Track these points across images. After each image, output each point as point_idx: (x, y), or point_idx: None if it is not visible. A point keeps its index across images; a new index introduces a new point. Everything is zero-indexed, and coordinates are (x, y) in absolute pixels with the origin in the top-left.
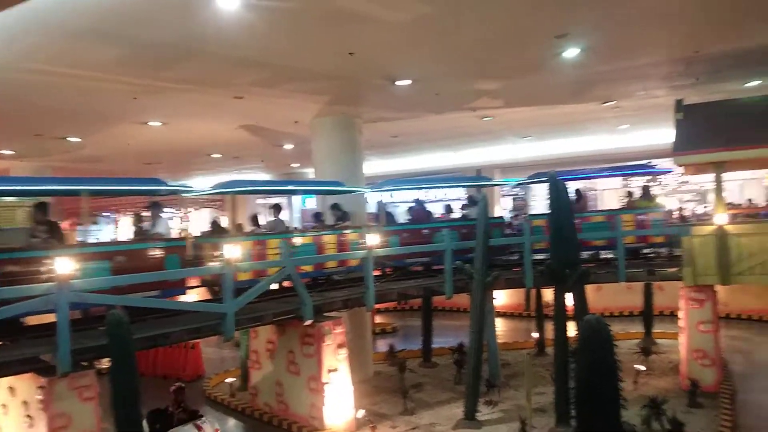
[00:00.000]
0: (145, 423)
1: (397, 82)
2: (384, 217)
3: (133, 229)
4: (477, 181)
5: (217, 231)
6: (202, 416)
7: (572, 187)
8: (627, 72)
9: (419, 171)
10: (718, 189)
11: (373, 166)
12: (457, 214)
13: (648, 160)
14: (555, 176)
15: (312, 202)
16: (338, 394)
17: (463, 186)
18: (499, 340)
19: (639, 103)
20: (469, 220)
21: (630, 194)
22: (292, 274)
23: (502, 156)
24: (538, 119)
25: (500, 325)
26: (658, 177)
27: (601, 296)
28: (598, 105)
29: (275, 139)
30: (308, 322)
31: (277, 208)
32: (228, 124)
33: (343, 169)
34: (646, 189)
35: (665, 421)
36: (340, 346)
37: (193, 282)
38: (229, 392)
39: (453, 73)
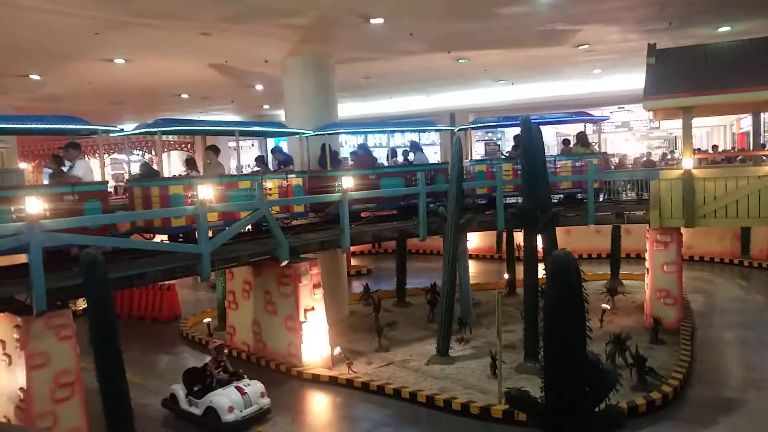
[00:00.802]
0: (181, 384)
1: (371, 20)
2: (330, 162)
3: (48, 171)
4: (421, 125)
5: (147, 175)
6: (244, 376)
7: (515, 133)
8: (601, 15)
9: (393, 114)
10: (686, 134)
11: (347, 108)
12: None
13: (613, 107)
14: (528, 120)
15: (285, 145)
16: (315, 332)
17: (408, 131)
18: (471, 281)
19: (613, 47)
20: (413, 166)
21: (567, 141)
22: (267, 215)
23: (476, 100)
24: (512, 62)
25: (473, 267)
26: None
27: (570, 239)
28: (572, 48)
29: (245, 79)
30: (284, 263)
31: (214, 149)
32: (196, 62)
33: (316, 111)
34: (581, 136)
35: (629, 356)
36: (316, 286)
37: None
38: (206, 332)
39: (426, 12)
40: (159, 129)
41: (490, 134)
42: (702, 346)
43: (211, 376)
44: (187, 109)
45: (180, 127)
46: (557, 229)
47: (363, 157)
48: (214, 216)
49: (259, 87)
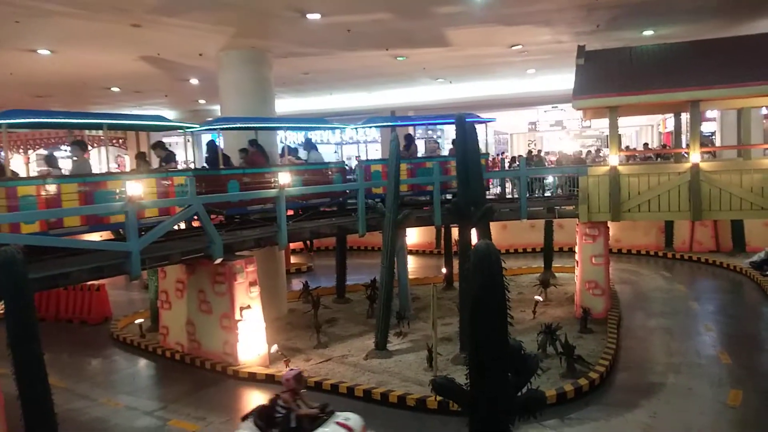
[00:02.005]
0: (252, 428)
1: (308, 16)
2: (220, 160)
3: None
4: (318, 123)
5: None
6: (333, 411)
7: (402, 133)
8: (533, 16)
9: (333, 111)
10: (613, 132)
11: (286, 104)
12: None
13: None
14: (463, 118)
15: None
16: (251, 330)
17: (305, 128)
18: (410, 276)
19: (545, 48)
20: (310, 164)
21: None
22: (200, 212)
23: (416, 98)
24: (449, 61)
25: (413, 262)
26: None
27: (506, 234)
28: (506, 48)
29: (179, 72)
30: (219, 261)
31: (81, 145)
32: (126, 54)
33: (252, 106)
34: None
35: (559, 345)
36: (252, 284)
37: None
38: (138, 333)
39: (363, 8)
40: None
41: (430, 131)
42: (627, 334)
43: (288, 411)
44: (118, 103)
45: (31, 120)
46: (494, 224)
47: (255, 155)
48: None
49: (194, 81)
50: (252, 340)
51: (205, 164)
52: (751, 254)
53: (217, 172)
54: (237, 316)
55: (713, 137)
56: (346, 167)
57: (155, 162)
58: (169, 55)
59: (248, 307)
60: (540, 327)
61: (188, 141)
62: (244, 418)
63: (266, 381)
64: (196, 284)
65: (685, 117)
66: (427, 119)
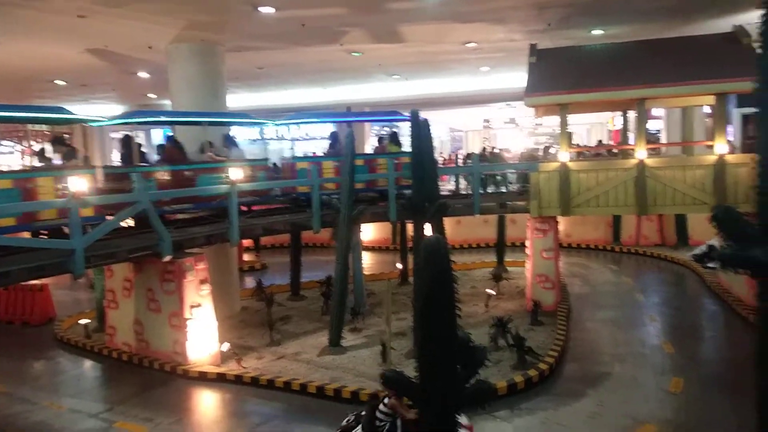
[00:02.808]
0: None
1: (261, 9)
2: (135, 156)
3: None
4: (239, 118)
5: None
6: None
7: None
8: (487, 14)
9: (288, 106)
10: (563, 129)
11: (240, 99)
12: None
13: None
14: (417, 114)
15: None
16: (202, 329)
17: (223, 124)
18: (365, 272)
19: (498, 46)
20: (231, 161)
21: (381, 140)
22: (148, 209)
23: (372, 94)
24: (405, 57)
25: (369, 258)
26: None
27: (461, 229)
28: (460, 46)
29: (127, 65)
30: (167, 259)
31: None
32: (71, 46)
33: (203, 100)
34: (394, 135)
35: (510, 337)
36: (202, 281)
37: None
38: (83, 334)
39: (317, 2)
40: None
41: (386, 128)
42: (576, 326)
43: (393, 418)
44: (64, 97)
45: None
46: (449, 219)
47: (172, 150)
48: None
49: (143, 75)
50: (202, 338)
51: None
52: (693, 248)
53: (128, 169)
54: (187, 315)
55: (659, 135)
56: (270, 165)
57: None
58: (116, 48)
59: (198, 305)
60: (492, 320)
61: (87, 135)
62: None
63: (217, 380)
64: (144, 283)
65: (632, 115)
66: (358, 116)
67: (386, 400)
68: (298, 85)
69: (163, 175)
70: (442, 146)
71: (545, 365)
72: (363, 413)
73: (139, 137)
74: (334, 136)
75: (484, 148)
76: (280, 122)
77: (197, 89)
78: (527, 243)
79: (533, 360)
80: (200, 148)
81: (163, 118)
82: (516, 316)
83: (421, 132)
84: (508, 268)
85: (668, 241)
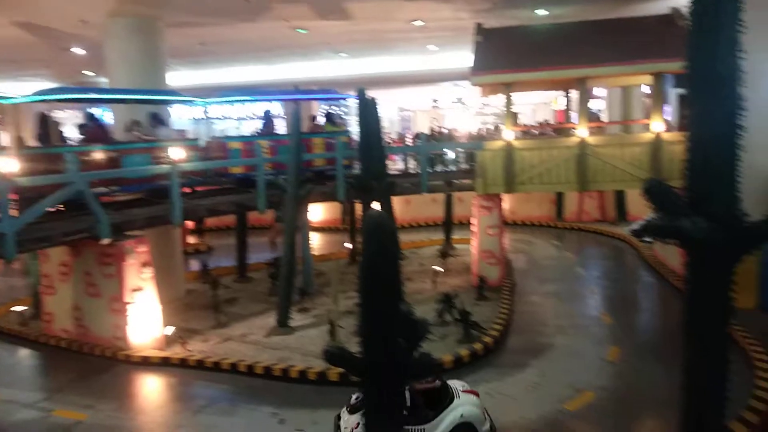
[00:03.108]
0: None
1: None
2: (54, 136)
3: None
4: (166, 96)
5: None
6: (443, 380)
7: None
8: None
9: (233, 84)
10: (508, 108)
11: (182, 77)
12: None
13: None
14: (364, 92)
15: (109, 116)
16: (144, 313)
17: (148, 102)
18: (315, 252)
19: (445, 24)
20: (155, 141)
21: (314, 118)
22: (84, 190)
23: (319, 72)
24: (352, 35)
25: (319, 238)
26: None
27: (410, 208)
28: (406, 24)
29: (60, 40)
30: (106, 242)
31: None
32: None
33: (143, 78)
34: (329, 115)
35: (456, 312)
36: (144, 264)
37: None
38: (18, 321)
39: None
40: None
41: (333, 107)
42: (520, 300)
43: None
44: None
45: None
46: (398, 199)
47: (94, 130)
48: None
49: (78, 50)
50: (145, 322)
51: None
52: (632, 223)
53: (48, 149)
54: (128, 299)
55: (601, 114)
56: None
57: None
58: (47, 21)
59: (140, 289)
60: (439, 296)
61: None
62: (352, 410)
63: (161, 364)
64: (83, 266)
65: (575, 95)
66: (292, 94)
67: None
68: (244, 63)
69: (85, 155)
70: (391, 126)
71: (490, 339)
72: None
73: (78, 117)
74: (267, 115)
75: (432, 128)
76: (210, 101)
77: (135, 66)
78: (473, 220)
79: (478, 334)
80: (126, 128)
81: (81, 96)
82: (462, 291)
83: (369, 111)
84: (456, 246)
85: (608, 217)
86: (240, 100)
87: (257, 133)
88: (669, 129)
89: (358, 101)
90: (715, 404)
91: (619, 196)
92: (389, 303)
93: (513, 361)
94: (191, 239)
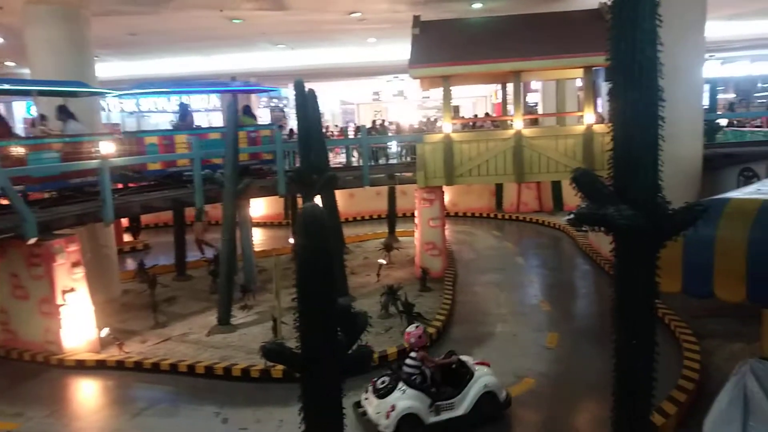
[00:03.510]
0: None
1: None
2: None
3: None
4: (69, 86)
5: None
6: (456, 355)
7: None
8: None
9: (168, 76)
10: (446, 101)
11: (112, 68)
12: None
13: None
14: (301, 83)
15: (35, 109)
16: (77, 315)
17: (52, 94)
18: (258, 248)
19: (384, 17)
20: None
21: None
22: (5, 186)
23: (257, 64)
24: (289, 26)
25: (262, 234)
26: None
27: (353, 202)
28: (344, 15)
29: None
30: (32, 241)
31: None
32: None
33: (67, 68)
34: (246, 108)
35: (400, 304)
36: (75, 264)
37: None
38: None
39: None
40: None
41: (275, 101)
42: (462, 290)
43: (422, 370)
44: None
45: None
46: (342, 192)
47: None
48: None
49: None
50: (78, 325)
51: None
52: (568, 213)
53: None
54: (59, 301)
55: (536, 107)
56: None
57: None
58: None
59: (72, 290)
60: (383, 289)
61: None
62: (382, 394)
63: (96, 368)
64: (8, 268)
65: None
66: (211, 86)
67: (413, 354)
68: (178, 54)
69: None
70: (333, 119)
71: (433, 329)
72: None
73: None
74: (184, 108)
75: (374, 121)
76: (122, 93)
77: (59, 56)
78: (416, 213)
79: (422, 325)
80: (31, 122)
81: None
82: (406, 283)
83: (308, 103)
84: (400, 238)
85: (546, 208)
86: (154, 93)
87: (174, 127)
88: (601, 121)
89: (295, 93)
90: (644, 383)
91: (556, 187)
92: (325, 296)
93: (456, 350)
94: (127, 237)
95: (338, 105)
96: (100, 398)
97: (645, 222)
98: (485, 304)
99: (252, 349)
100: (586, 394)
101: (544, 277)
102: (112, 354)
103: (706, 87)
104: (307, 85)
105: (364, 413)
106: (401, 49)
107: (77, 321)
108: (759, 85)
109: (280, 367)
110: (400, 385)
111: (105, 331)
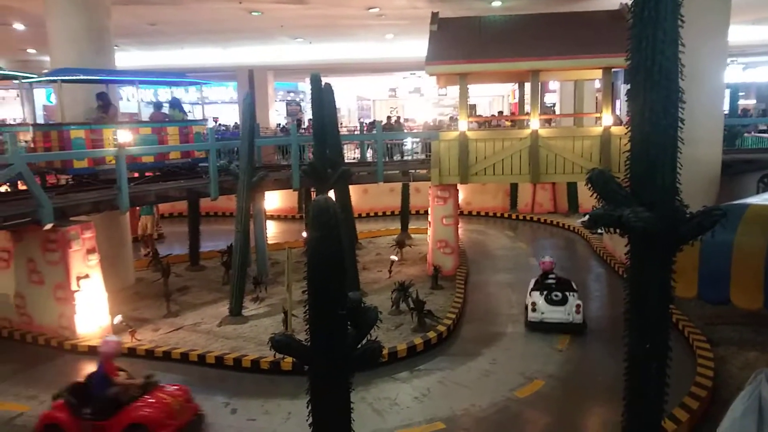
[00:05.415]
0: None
1: None
2: None
3: None
4: None
5: None
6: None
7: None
8: None
9: (185, 67)
10: (462, 99)
11: (132, 57)
12: None
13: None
14: (318, 77)
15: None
16: (91, 301)
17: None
18: (271, 241)
19: (402, 13)
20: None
21: (159, 106)
22: (24, 172)
23: (275, 58)
24: (307, 19)
25: (275, 227)
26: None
27: (367, 198)
28: (363, 11)
29: None
30: (49, 227)
31: None
32: None
33: (87, 57)
34: (175, 100)
35: (411, 301)
36: (90, 251)
37: None
38: None
39: None
40: None
41: (292, 94)
42: (474, 289)
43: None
44: None
45: None
46: (355, 188)
47: None
48: None
49: (18, 26)
50: (92, 311)
51: None
52: (583, 215)
53: None
54: (74, 287)
55: (554, 107)
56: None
57: None
58: None
59: (86, 276)
60: (395, 285)
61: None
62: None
63: None
64: (25, 253)
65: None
66: (140, 77)
67: (551, 275)
68: (196, 45)
69: None
70: (350, 114)
71: (443, 327)
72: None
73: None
74: (104, 98)
75: (389, 117)
76: (35, 79)
77: (79, 45)
78: (429, 210)
79: (432, 323)
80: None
81: None
82: (417, 280)
83: (324, 98)
84: (412, 235)
85: (561, 209)
86: (78, 80)
87: (93, 120)
88: (619, 123)
89: (312, 87)
90: (656, 389)
91: (572, 188)
92: (336, 288)
93: (466, 349)
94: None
95: (355, 101)
96: None
97: (661, 225)
98: (496, 303)
99: (262, 341)
100: (596, 397)
101: None
102: (125, 341)
103: (727, 92)
104: (324, 80)
105: (541, 321)
106: (418, 46)
107: (91, 307)
108: None
109: (289, 359)
110: (569, 293)
111: (118, 318)
